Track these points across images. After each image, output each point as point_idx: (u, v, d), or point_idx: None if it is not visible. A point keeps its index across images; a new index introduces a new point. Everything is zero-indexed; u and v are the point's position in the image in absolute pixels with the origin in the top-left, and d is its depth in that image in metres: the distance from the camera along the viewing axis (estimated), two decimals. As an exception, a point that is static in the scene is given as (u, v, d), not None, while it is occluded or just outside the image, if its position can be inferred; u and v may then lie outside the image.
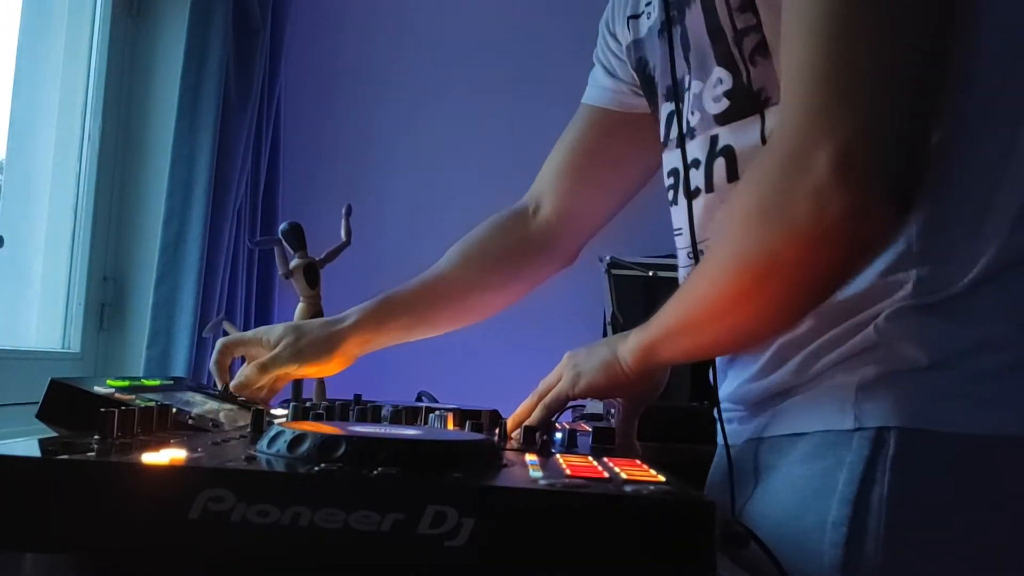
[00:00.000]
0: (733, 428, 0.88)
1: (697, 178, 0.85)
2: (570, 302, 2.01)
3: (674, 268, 1.78)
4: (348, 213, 1.23)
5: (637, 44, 1.00)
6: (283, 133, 2.16)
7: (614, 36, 1.05)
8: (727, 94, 0.80)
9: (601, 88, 1.08)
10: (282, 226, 1.18)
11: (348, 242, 1.23)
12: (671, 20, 0.89)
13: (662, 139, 0.94)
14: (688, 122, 0.86)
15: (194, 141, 1.76)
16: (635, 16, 1.00)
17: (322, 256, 1.20)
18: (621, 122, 1.07)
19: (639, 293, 1.80)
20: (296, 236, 1.18)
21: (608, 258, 1.83)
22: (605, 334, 1.87)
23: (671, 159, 0.91)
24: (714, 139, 0.82)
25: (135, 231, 1.86)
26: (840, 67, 0.65)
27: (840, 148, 0.62)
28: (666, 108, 0.92)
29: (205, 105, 1.77)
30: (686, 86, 0.87)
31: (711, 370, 0.89)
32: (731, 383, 0.87)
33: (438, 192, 2.30)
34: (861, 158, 0.63)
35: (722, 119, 0.81)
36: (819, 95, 0.65)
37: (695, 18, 0.83)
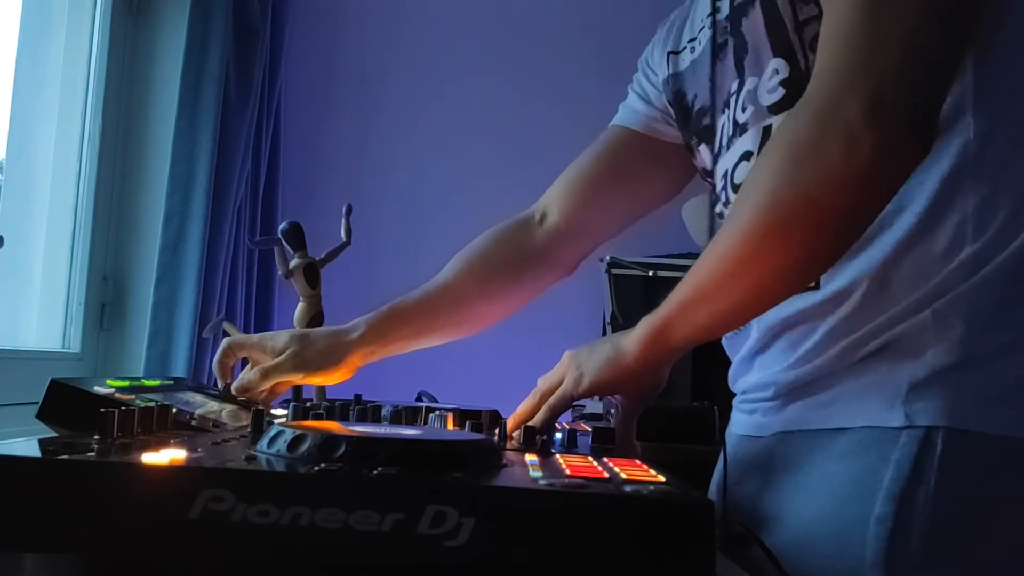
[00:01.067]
0: (757, 419, 0.87)
1: (746, 170, 0.86)
2: (570, 302, 2.01)
3: (674, 268, 1.79)
4: (348, 213, 1.23)
5: (675, 77, 1.02)
6: (283, 133, 2.16)
7: (652, 70, 1.08)
8: (783, 83, 0.81)
9: (633, 112, 1.10)
10: (282, 226, 1.18)
11: (348, 242, 1.23)
12: (721, 44, 0.90)
13: (714, 152, 0.94)
14: (737, 121, 0.87)
15: (194, 141, 1.76)
16: (675, 52, 1.02)
17: (322, 256, 1.20)
18: (647, 146, 1.09)
19: (639, 293, 1.81)
20: (296, 236, 1.17)
21: (608, 258, 1.83)
22: (605, 334, 1.87)
23: (720, 166, 0.92)
24: (767, 129, 0.83)
25: (135, 231, 1.86)
26: (873, 22, 0.68)
27: (871, 94, 0.66)
28: (718, 120, 0.93)
29: (205, 105, 1.77)
30: (733, 90, 0.88)
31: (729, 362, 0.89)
32: (760, 372, 0.86)
33: (438, 192, 2.30)
34: (891, 102, 0.66)
35: (776, 108, 0.82)
36: (852, 49, 0.68)
37: (754, 20, 0.84)
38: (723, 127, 0.91)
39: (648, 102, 1.09)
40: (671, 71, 1.03)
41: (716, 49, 0.91)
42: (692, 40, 0.99)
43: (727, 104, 0.90)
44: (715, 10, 0.91)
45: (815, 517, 0.76)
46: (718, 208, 0.92)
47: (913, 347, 0.73)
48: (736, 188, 0.88)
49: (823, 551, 0.73)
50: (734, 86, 0.88)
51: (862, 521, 0.71)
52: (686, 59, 1.00)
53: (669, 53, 1.03)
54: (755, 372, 0.87)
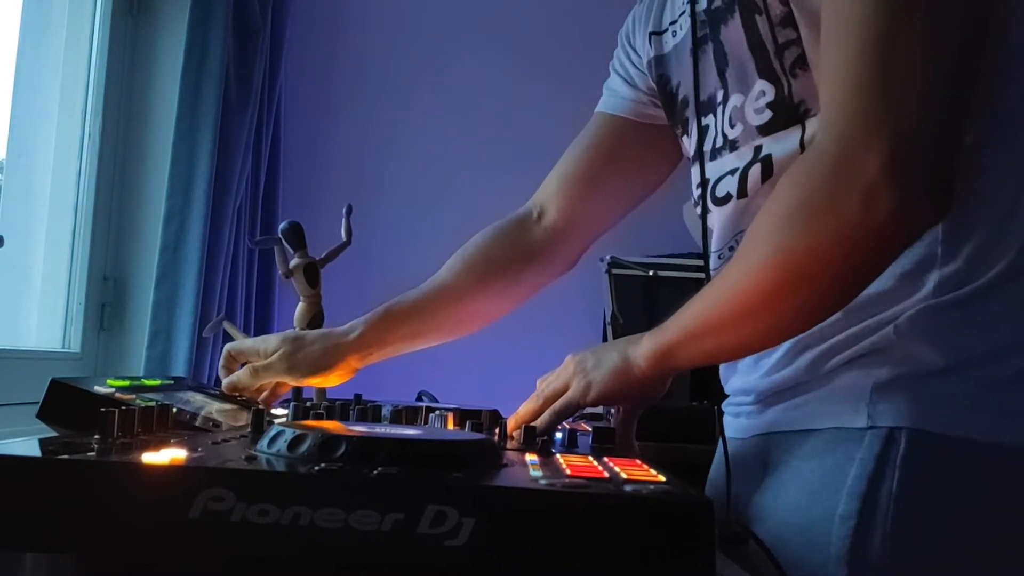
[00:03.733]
0: (741, 422, 0.88)
1: (730, 184, 0.86)
2: (570, 302, 2.01)
3: (674, 268, 1.79)
4: (348, 213, 1.23)
5: (659, 60, 1.00)
6: (283, 133, 2.16)
7: (634, 49, 1.06)
8: (769, 105, 0.82)
9: (619, 98, 1.08)
10: (282, 226, 1.18)
11: (348, 242, 1.23)
12: (700, 40, 0.89)
13: (693, 152, 0.94)
14: (726, 135, 0.87)
15: (194, 141, 1.76)
16: (658, 33, 1.00)
17: (322, 256, 1.20)
18: (638, 131, 1.07)
19: (639, 293, 1.80)
20: (296, 236, 1.17)
21: (608, 258, 1.83)
22: (605, 334, 1.87)
23: (699, 170, 0.92)
24: (757, 149, 0.83)
25: (135, 231, 1.86)
26: (886, 68, 0.66)
27: (890, 149, 0.64)
28: (701, 120, 0.93)
29: (205, 105, 1.76)
30: (719, 100, 0.88)
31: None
32: (741, 377, 0.88)
33: (438, 191, 2.30)
34: (910, 158, 0.65)
35: (765, 130, 0.82)
36: (866, 96, 0.67)
37: (734, 33, 0.84)
38: (708, 133, 0.90)
39: (633, 85, 1.07)
40: (654, 53, 1.01)
41: (696, 44, 0.90)
42: (673, 23, 0.97)
43: (712, 111, 0.89)
44: (694, 2, 0.90)
45: (787, 513, 0.77)
46: (698, 210, 0.92)
47: (878, 359, 0.74)
48: (717, 201, 0.88)
49: (794, 546, 0.74)
50: (720, 95, 0.88)
51: (828, 518, 0.72)
52: (668, 42, 0.99)
53: (651, 34, 1.01)
54: (738, 377, 0.89)
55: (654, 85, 1.03)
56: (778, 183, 0.75)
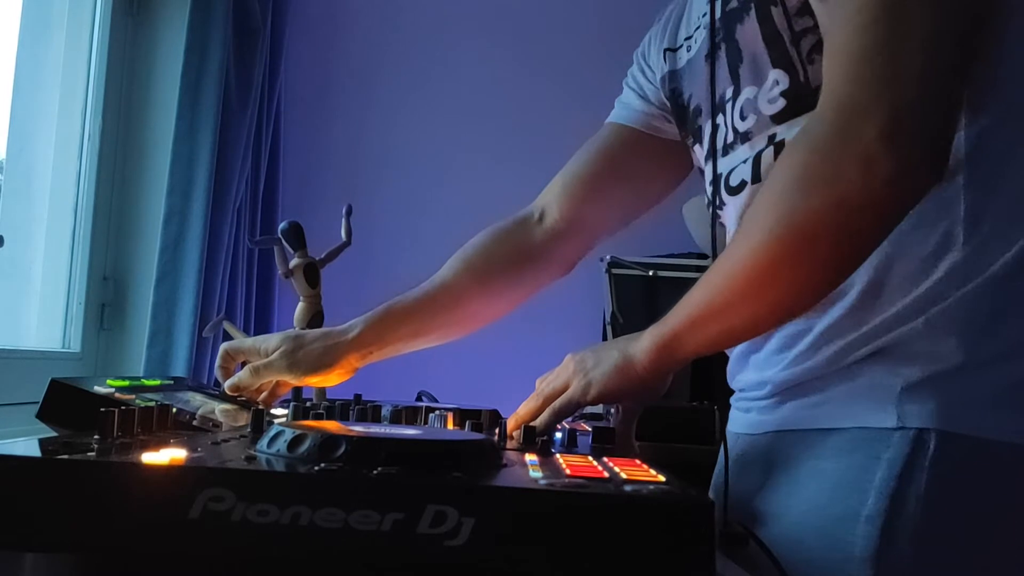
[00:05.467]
0: (752, 417, 0.88)
1: (744, 172, 0.86)
2: (570, 302, 2.01)
3: (674, 268, 1.79)
4: (348, 213, 1.23)
5: (673, 75, 1.02)
6: (283, 133, 2.16)
7: (649, 66, 1.08)
8: (783, 94, 0.82)
9: (631, 110, 1.10)
10: (282, 226, 1.18)
11: (348, 242, 1.23)
12: (717, 45, 0.90)
13: (706, 154, 0.94)
14: (736, 129, 0.87)
15: (194, 141, 1.76)
16: (673, 49, 1.02)
17: (322, 256, 1.20)
18: (645, 143, 1.09)
19: (639, 293, 1.80)
20: (296, 236, 1.18)
21: (608, 258, 1.83)
22: (605, 334, 1.87)
23: (713, 168, 0.92)
24: (771, 137, 0.83)
25: (135, 231, 1.86)
26: (890, 39, 0.67)
27: (888, 116, 0.66)
28: (711, 123, 0.93)
29: (205, 105, 1.77)
30: (728, 97, 0.89)
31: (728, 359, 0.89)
32: (755, 371, 0.86)
33: (438, 191, 2.30)
34: (907, 125, 0.66)
35: (779, 118, 0.82)
36: (868, 65, 0.68)
37: (749, 30, 0.85)
38: (719, 132, 0.90)
39: (645, 99, 1.08)
40: (668, 68, 1.02)
41: (712, 51, 0.91)
42: (688, 38, 0.99)
43: (722, 109, 0.90)
44: (712, 11, 0.91)
45: (804, 512, 0.76)
46: (711, 210, 0.92)
47: (905, 354, 0.73)
48: (731, 191, 0.88)
49: (812, 546, 0.74)
50: (729, 92, 0.88)
51: (852, 518, 0.72)
52: (683, 57, 1.00)
53: (666, 50, 1.03)
54: (750, 371, 0.88)
55: (666, 99, 1.04)
56: (780, 155, 0.75)
